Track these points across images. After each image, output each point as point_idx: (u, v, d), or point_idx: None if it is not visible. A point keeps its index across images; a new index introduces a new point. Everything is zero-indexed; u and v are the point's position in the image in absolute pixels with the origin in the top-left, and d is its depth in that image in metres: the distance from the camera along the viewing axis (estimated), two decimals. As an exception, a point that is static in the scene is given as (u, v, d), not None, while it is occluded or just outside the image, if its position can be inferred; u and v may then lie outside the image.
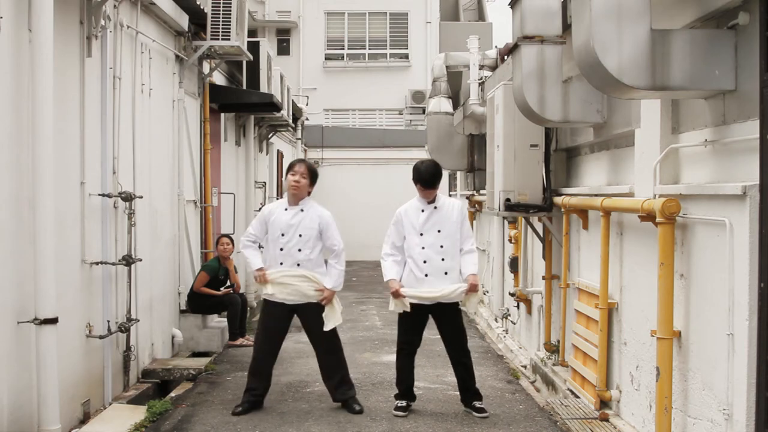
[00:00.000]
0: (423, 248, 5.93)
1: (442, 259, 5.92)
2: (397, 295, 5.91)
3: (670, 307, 4.38)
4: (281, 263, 6.04)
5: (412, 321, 6.03)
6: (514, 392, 6.86)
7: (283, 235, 6.04)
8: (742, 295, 3.75)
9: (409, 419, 5.95)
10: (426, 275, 5.91)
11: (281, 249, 6.05)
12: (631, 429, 5.22)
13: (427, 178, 5.97)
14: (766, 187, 3.53)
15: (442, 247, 5.92)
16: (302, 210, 6.10)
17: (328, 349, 6.21)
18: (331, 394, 6.24)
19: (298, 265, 6.03)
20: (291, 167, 6.19)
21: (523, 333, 8.69)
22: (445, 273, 5.92)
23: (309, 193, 6.20)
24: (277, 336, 6.22)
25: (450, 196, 16.50)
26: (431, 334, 9.81)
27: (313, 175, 6.19)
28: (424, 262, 5.92)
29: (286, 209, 6.12)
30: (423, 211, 6.01)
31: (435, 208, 6.01)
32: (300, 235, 6.03)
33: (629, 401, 5.32)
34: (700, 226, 4.24)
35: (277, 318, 6.15)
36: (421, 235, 5.95)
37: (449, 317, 6.03)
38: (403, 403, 6.11)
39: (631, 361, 5.26)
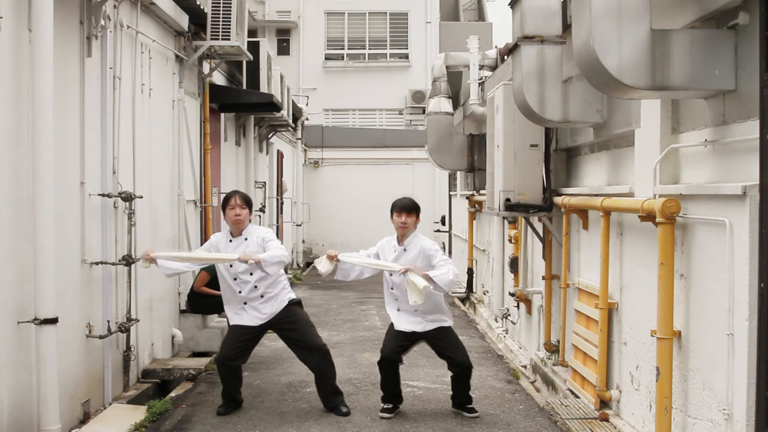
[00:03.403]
0: (392, 288, 5.96)
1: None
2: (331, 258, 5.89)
3: (670, 307, 4.38)
4: (239, 291, 6.00)
5: (398, 338, 5.98)
6: (514, 392, 6.86)
7: (231, 266, 5.96)
8: (742, 295, 3.75)
9: (409, 419, 5.95)
10: (398, 309, 5.96)
11: (235, 279, 6.00)
12: (631, 429, 5.22)
13: (404, 202, 6.00)
14: (766, 187, 3.53)
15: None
16: (246, 239, 6.02)
17: (319, 358, 6.13)
18: (324, 401, 6.21)
19: (256, 287, 5.96)
20: (227, 201, 6.07)
21: (523, 333, 8.69)
22: (416, 310, 5.90)
23: (250, 221, 6.18)
24: (246, 350, 6.19)
25: (450, 196, 16.53)
26: (431, 334, 9.63)
27: (249, 204, 6.15)
28: (396, 299, 5.97)
29: (230, 240, 6.06)
30: (395, 250, 6.00)
31: (404, 249, 5.96)
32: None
33: (629, 401, 5.32)
34: (700, 226, 4.24)
35: (246, 334, 6.08)
36: (391, 275, 5.93)
37: (444, 340, 6.01)
38: (389, 405, 6.08)
39: (631, 361, 5.26)
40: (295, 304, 6.16)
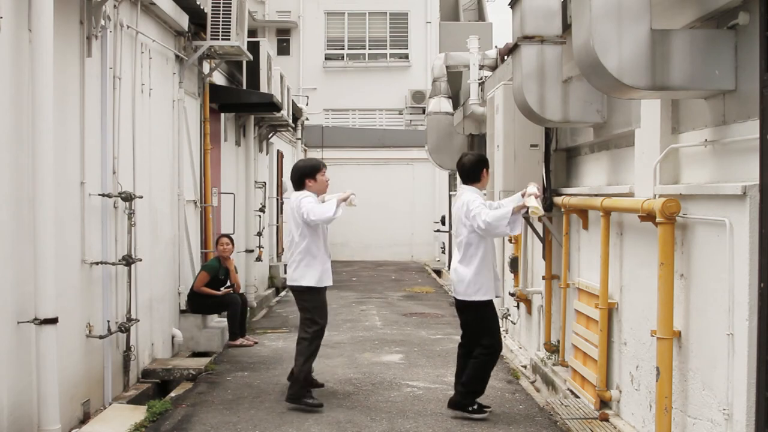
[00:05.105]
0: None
1: None
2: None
3: (670, 307, 4.38)
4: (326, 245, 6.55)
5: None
6: (514, 392, 6.86)
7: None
8: (742, 295, 3.75)
9: (409, 419, 5.95)
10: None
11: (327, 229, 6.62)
12: (631, 429, 5.22)
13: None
14: (766, 187, 3.54)
15: None
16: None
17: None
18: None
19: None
20: (319, 169, 6.64)
21: (523, 333, 8.69)
22: None
23: None
24: None
25: (450, 196, 16.56)
26: (431, 333, 9.77)
27: None
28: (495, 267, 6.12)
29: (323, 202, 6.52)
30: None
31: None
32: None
33: (629, 401, 5.32)
34: (700, 226, 4.24)
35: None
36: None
37: None
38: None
39: (631, 361, 5.26)
40: None
